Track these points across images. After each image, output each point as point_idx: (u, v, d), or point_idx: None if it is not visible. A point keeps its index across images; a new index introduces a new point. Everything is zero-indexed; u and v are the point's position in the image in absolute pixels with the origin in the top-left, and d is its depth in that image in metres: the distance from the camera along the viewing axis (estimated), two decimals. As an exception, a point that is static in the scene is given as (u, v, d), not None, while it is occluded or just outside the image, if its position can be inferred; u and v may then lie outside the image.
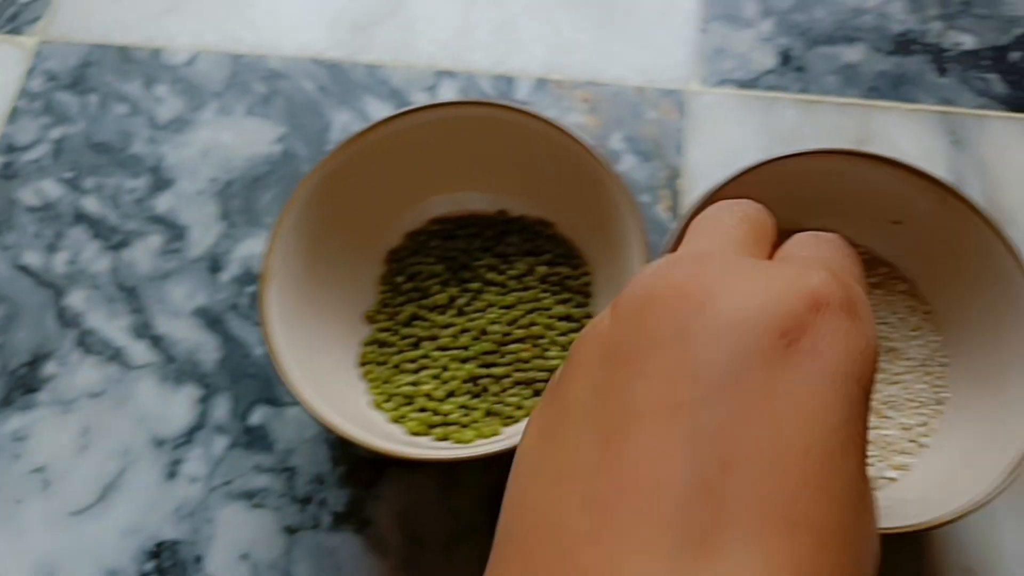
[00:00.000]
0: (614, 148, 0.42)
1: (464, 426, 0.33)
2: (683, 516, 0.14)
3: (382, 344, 0.35)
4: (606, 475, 0.15)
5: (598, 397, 0.16)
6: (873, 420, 0.32)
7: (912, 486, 0.31)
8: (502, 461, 0.35)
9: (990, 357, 0.31)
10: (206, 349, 0.39)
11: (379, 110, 0.43)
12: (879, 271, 0.35)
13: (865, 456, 0.16)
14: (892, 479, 0.32)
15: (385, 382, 0.34)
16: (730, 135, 0.42)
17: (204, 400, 0.38)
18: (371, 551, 0.34)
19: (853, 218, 0.34)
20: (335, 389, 0.32)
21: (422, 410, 0.33)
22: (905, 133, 0.41)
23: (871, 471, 0.31)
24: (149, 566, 0.35)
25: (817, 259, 0.18)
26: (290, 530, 0.35)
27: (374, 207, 0.36)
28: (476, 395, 0.34)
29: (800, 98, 0.42)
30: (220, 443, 0.37)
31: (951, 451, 0.31)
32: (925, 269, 0.34)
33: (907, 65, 0.43)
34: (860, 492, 0.15)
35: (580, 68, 0.44)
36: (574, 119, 0.42)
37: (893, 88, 0.43)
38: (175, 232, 0.41)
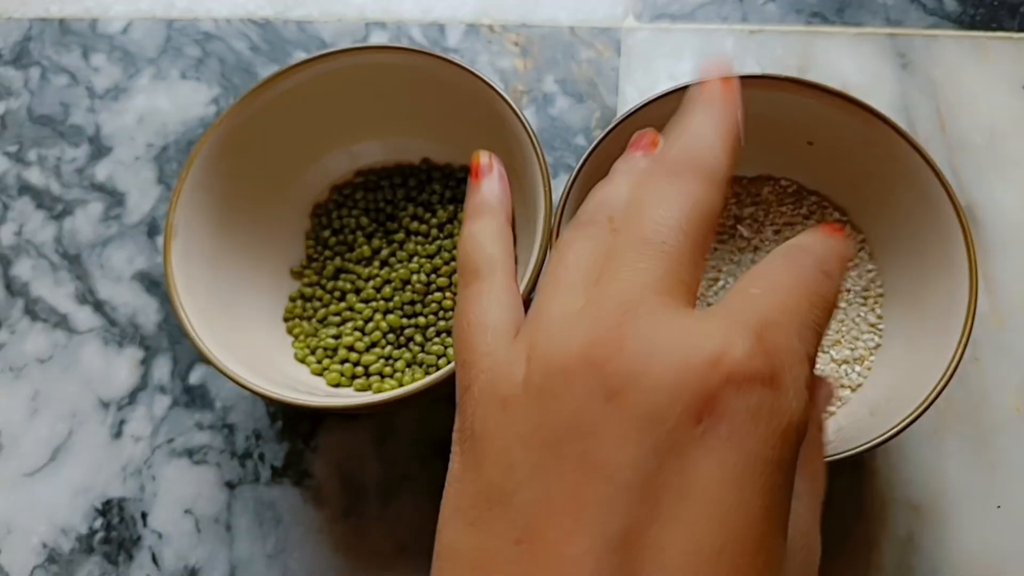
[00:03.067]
0: (547, 91, 0.41)
1: (386, 376, 0.33)
2: None
3: (308, 299, 0.35)
4: (521, 573, 0.15)
5: (517, 485, 0.16)
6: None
7: (850, 413, 0.30)
8: (435, 411, 0.35)
9: (922, 283, 0.30)
10: (146, 312, 0.39)
11: (312, 66, 0.43)
12: (810, 200, 0.34)
13: (785, 535, 0.15)
14: (831, 412, 0.31)
15: (310, 336, 0.34)
16: (666, 70, 0.40)
17: (145, 362, 0.38)
18: (310, 502, 0.35)
19: (769, 145, 0.33)
20: (257, 345, 0.32)
21: (344, 362, 0.33)
22: (851, 58, 0.40)
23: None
24: (98, 523, 0.36)
25: (752, 314, 0.16)
26: (231, 485, 0.35)
27: (292, 158, 0.35)
28: (400, 346, 0.34)
29: (739, 28, 0.41)
30: (162, 403, 0.37)
31: (888, 378, 0.30)
32: (855, 198, 0.33)
33: (852, -14, 0.41)
34: None
35: (511, 11, 0.43)
36: (506, 63, 0.41)
37: (837, 12, 0.41)
38: (115, 199, 0.42)
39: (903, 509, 0.32)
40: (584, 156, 0.30)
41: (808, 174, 0.34)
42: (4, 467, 0.37)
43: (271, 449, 0.36)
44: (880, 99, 0.39)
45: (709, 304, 0.33)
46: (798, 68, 0.40)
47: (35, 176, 0.43)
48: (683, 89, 0.31)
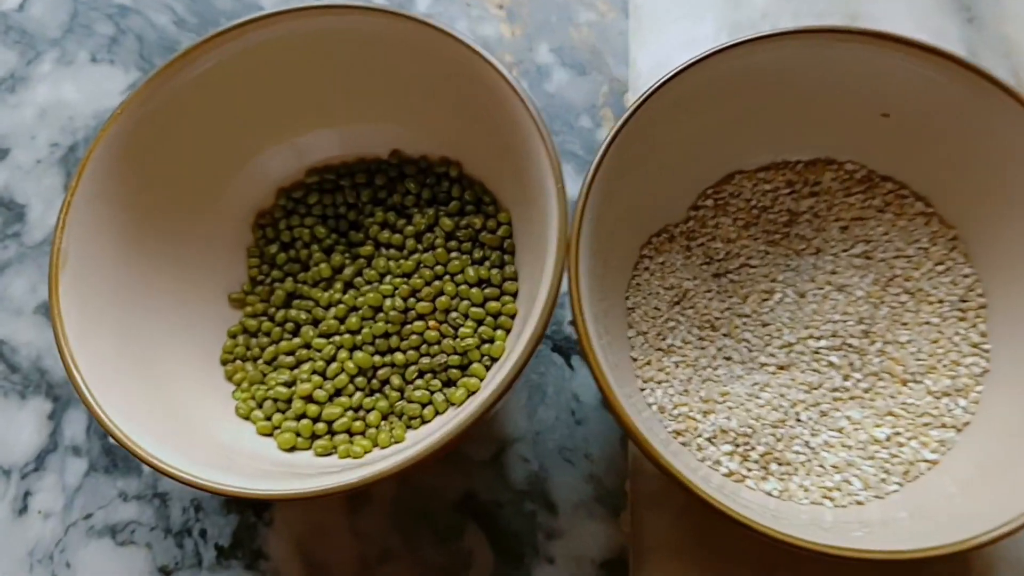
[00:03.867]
0: (541, 62, 0.33)
1: (355, 434, 0.26)
2: None
3: (252, 333, 0.28)
4: None
5: None
6: (898, 387, 0.25)
7: (957, 471, 0.23)
8: (420, 470, 0.28)
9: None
10: (54, 353, 0.31)
11: (252, 42, 0.35)
12: (884, 189, 0.27)
13: None
14: (932, 462, 0.24)
15: (255, 383, 0.27)
16: (685, 34, 0.33)
17: (54, 416, 0.31)
18: (265, 591, 0.28)
19: (830, 119, 0.26)
20: (182, 401, 0.25)
21: (300, 417, 0.26)
22: (907, 13, 0.33)
23: (905, 454, 0.24)
24: (-2, 627, 0.28)
25: None
26: (165, 571, 0.28)
27: (222, 154, 0.28)
28: (372, 392, 0.26)
29: (771, -20, 0.34)
30: (77, 467, 0.30)
31: (1004, 417, 0.23)
32: (943, 182, 0.26)
33: (905, -74, 0.34)
34: None
35: (495, -33, 0.35)
36: (490, 30, 0.34)
37: (888, -43, 0.34)
38: (12, 212, 0.34)
39: (1014, 568, 0.26)
40: (602, 149, 0.23)
41: (880, 155, 0.27)
42: None
43: (215, 524, 0.28)
44: (946, 61, 0.32)
45: (765, 324, 0.26)
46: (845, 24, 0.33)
47: (-88, 188, 0.34)
48: (713, 56, 0.23)
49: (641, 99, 0.23)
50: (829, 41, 0.24)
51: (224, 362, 0.27)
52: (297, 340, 0.27)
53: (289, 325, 0.28)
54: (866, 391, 0.25)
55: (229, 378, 0.27)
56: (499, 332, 0.26)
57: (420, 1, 0.35)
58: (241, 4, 0.36)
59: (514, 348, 0.22)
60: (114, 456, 0.30)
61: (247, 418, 0.26)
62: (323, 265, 0.28)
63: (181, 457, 0.21)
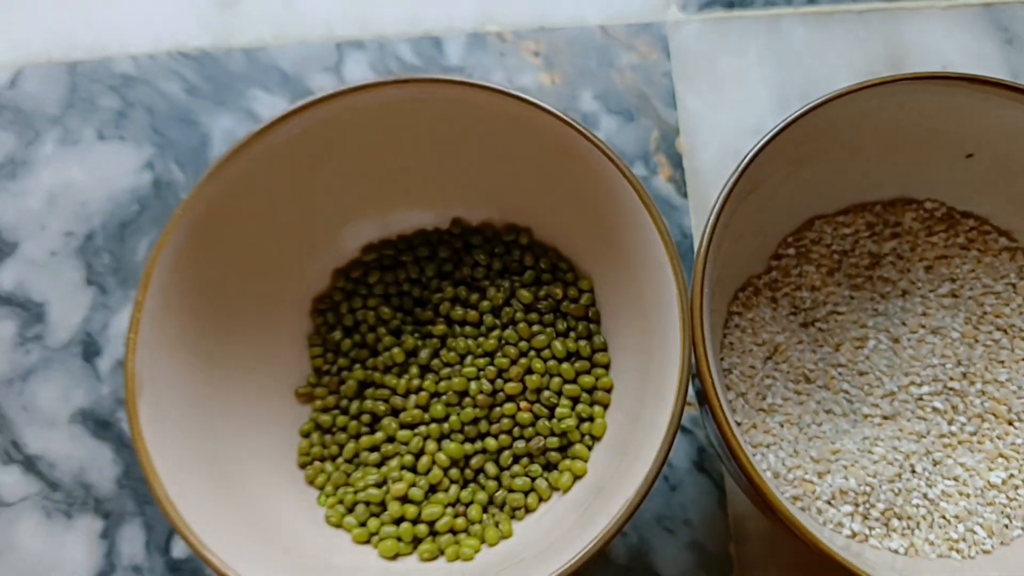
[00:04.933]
0: (586, 110, 0.32)
1: (459, 532, 0.24)
2: None
3: (326, 430, 0.26)
4: None
5: None
6: (1005, 428, 0.25)
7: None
8: None
9: None
10: (98, 464, 0.29)
11: (271, 105, 0.33)
12: (966, 225, 0.27)
13: None
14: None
15: (341, 485, 0.25)
16: (731, 71, 0.32)
17: (107, 534, 0.28)
18: None
19: (909, 160, 0.26)
20: (271, 515, 0.23)
21: (399, 521, 0.24)
22: (945, 38, 0.33)
23: (994, 526, 0.23)
24: None
25: None
26: None
27: (283, 242, 0.26)
28: (467, 483, 0.25)
29: (808, 12, 0.33)
30: (139, 589, 0.27)
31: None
32: (1025, 214, 0.26)
33: (932, -52, 0.34)
34: None
35: (523, 13, 0.34)
36: (527, 79, 0.33)
37: (920, -20, 0.34)
38: (30, 313, 0.31)
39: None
40: (712, 219, 0.22)
41: (958, 191, 0.26)
42: None
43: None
44: (989, 82, 0.32)
45: (862, 374, 0.26)
46: (889, 55, 0.33)
47: (-89, 292, 0.31)
48: (797, 120, 0.23)
49: (738, 172, 0.22)
50: (908, 88, 0.24)
51: (302, 465, 0.26)
52: (379, 435, 0.26)
53: (365, 417, 0.26)
54: (972, 434, 0.25)
55: (311, 482, 0.25)
56: (596, 408, 0.25)
57: (452, 52, 0.33)
58: (258, 66, 0.33)
59: (639, 432, 0.21)
60: (180, 573, 0.28)
61: (339, 526, 0.24)
62: (395, 349, 0.26)
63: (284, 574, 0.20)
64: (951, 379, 0.25)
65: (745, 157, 0.23)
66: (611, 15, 0.34)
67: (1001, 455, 0.24)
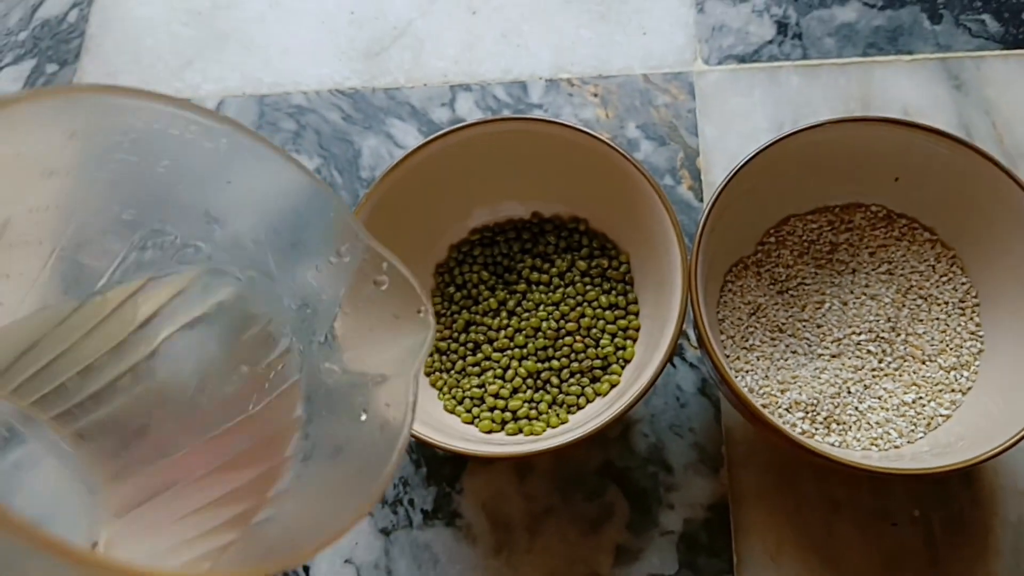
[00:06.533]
0: (630, 137, 0.44)
1: (533, 419, 0.36)
2: None
3: (443, 352, 0.38)
4: None
5: None
6: (919, 366, 0.35)
7: (964, 421, 0.33)
8: (569, 448, 0.38)
9: (1017, 290, 0.34)
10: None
11: (404, 130, 0.46)
12: (900, 223, 0.37)
13: None
14: (946, 416, 0.34)
15: (454, 387, 0.37)
16: (740, 108, 0.44)
17: (287, 424, 0.41)
18: (462, 541, 0.38)
19: (859, 179, 0.36)
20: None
21: (492, 409, 0.36)
22: (908, 85, 0.43)
23: (927, 412, 0.34)
24: (263, 580, 0.38)
25: None
26: (385, 532, 0.38)
27: (422, 225, 0.38)
28: (538, 388, 0.37)
29: (801, 64, 0.44)
30: (308, 461, 0.40)
31: (996, 382, 0.33)
32: (943, 217, 0.36)
33: (901, 17, 0.45)
34: None
35: (586, 64, 0.46)
36: (588, 114, 0.45)
37: (890, 42, 0.44)
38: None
39: (1012, 495, 0.35)
40: (706, 212, 0.33)
41: (896, 200, 0.37)
42: None
43: (419, 495, 0.38)
44: (940, 120, 0.42)
45: (819, 326, 0.36)
46: (861, 97, 0.43)
47: (152, 256, 0.45)
48: (777, 143, 0.34)
49: (729, 176, 0.33)
50: (858, 125, 0.34)
51: (427, 373, 0.38)
52: (479, 355, 0.38)
53: (469, 344, 0.38)
54: (896, 369, 0.35)
55: (432, 384, 0.38)
56: (628, 342, 0.37)
57: (534, 94, 0.45)
58: (394, 101, 0.46)
59: (653, 356, 0.33)
60: (335, 449, 0.40)
61: (452, 412, 0.36)
62: (491, 299, 0.38)
63: (431, 430, 0.32)
64: (883, 331, 0.36)
65: (732, 169, 0.34)
66: (652, 66, 0.45)
67: (914, 384, 0.35)
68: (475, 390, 0.37)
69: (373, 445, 0.23)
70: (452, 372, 0.38)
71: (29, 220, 0.21)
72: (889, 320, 0.36)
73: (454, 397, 0.37)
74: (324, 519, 0.21)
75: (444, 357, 0.38)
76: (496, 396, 0.36)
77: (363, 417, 0.24)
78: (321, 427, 0.24)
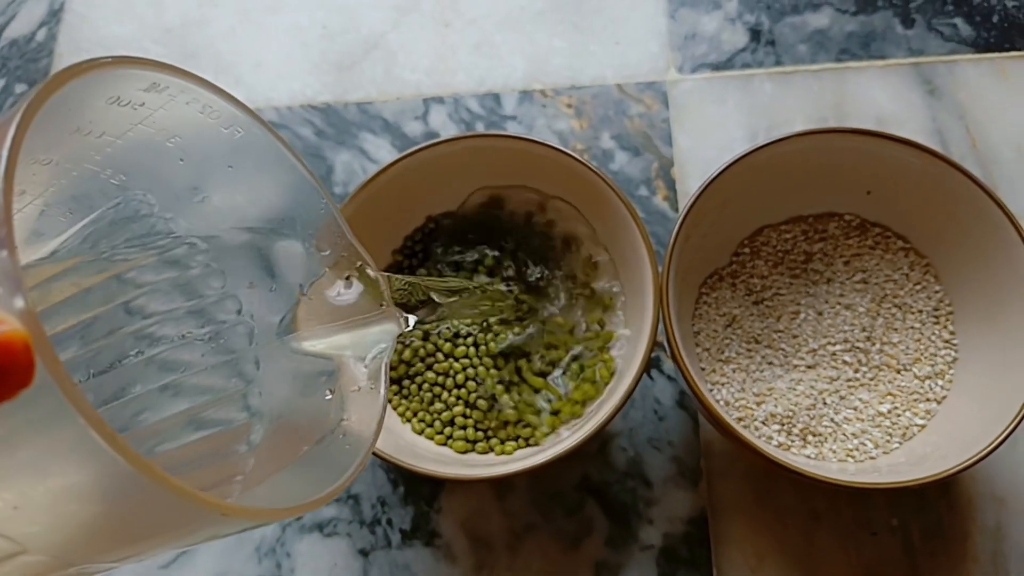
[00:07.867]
0: (605, 147, 0.44)
1: (504, 440, 0.36)
2: None
3: (404, 379, 0.38)
4: None
5: None
6: (894, 375, 0.35)
7: (939, 430, 0.33)
8: (547, 466, 0.38)
9: (994, 298, 0.33)
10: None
11: (377, 145, 0.45)
12: (874, 232, 0.37)
13: None
14: (921, 426, 0.34)
15: (420, 411, 0.37)
16: (714, 117, 0.43)
17: (263, 445, 0.40)
18: (442, 560, 0.37)
19: (833, 189, 0.36)
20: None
21: (464, 428, 0.36)
22: (881, 90, 0.43)
23: (902, 421, 0.33)
24: (241, 604, 0.38)
25: None
26: (364, 552, 0.38)
27: (394, 241, 0.38)
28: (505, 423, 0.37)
29: (775, 71, 0.44)
30: (285, 482, 0.40)
31: (970, 391, 0.33)
32: (916, 225, 0.36)
33: (873, 22, 0.45)
34: None
35: (560, 75, 0.45)
36: (563, 125, 0.44)
37: (863, 47, 0.44)
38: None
39: (989, 502, 0.35)
40: (678, 224, 0.33)
41: (869, 209, 0.37)
42: (138, 566, 0.39)
43: (398, 514, 0.38)
44: (913, 125, 0.42)
45: (794, 336, 0.36)
46: (835, 104, 0.43)
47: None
48: (751, 153, 0.34)
49: (701, 188, 0.33)
50: (830, 137, 0.34)
51: (394, 407, 0.38)
52: (444, 378, 0.37)
53: (430, 374, 0.38)
54: (871, 379, 0.35)
55: (400, 414, 0.37)
56: (605, 356, 0.36)
57: (507, 105, 0.45)
58: (367, 115, 0.46)
59: (628, 370, 0.32)
60: (313, 470, 0.40)
61: (420, 434, 0.36)
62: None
63: (409, 458, 0.31)
64: (858, 341, 0.36)
65: (704, 181, 0.34)
66: (625, 76, 0.45)
67: (890, 393, 0.35)
68: (446, 413, 0.36)
69: (342, 422, 0.23)
70: (412, 399, 0.37)
71: (27, 171, 0.20)
72: (864, 330, 0.36)
73: (422, 420, 0.36)
74: (296, 491, 0.21)
75: (407, 383, 0.38)
76: (465, 416, 0.36)
77: (328, 396, 0.24)
78: (278, 402, 0.24)
